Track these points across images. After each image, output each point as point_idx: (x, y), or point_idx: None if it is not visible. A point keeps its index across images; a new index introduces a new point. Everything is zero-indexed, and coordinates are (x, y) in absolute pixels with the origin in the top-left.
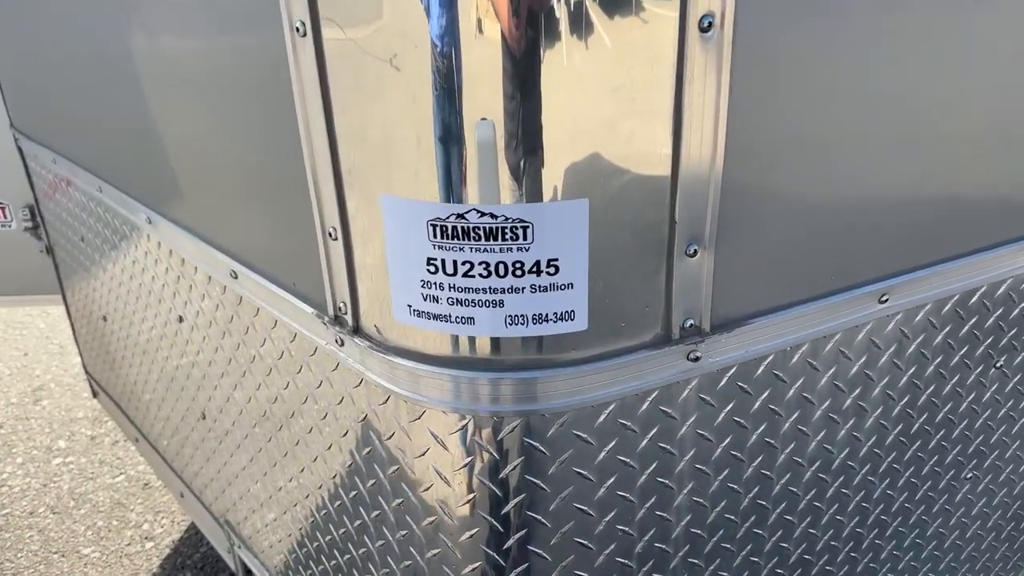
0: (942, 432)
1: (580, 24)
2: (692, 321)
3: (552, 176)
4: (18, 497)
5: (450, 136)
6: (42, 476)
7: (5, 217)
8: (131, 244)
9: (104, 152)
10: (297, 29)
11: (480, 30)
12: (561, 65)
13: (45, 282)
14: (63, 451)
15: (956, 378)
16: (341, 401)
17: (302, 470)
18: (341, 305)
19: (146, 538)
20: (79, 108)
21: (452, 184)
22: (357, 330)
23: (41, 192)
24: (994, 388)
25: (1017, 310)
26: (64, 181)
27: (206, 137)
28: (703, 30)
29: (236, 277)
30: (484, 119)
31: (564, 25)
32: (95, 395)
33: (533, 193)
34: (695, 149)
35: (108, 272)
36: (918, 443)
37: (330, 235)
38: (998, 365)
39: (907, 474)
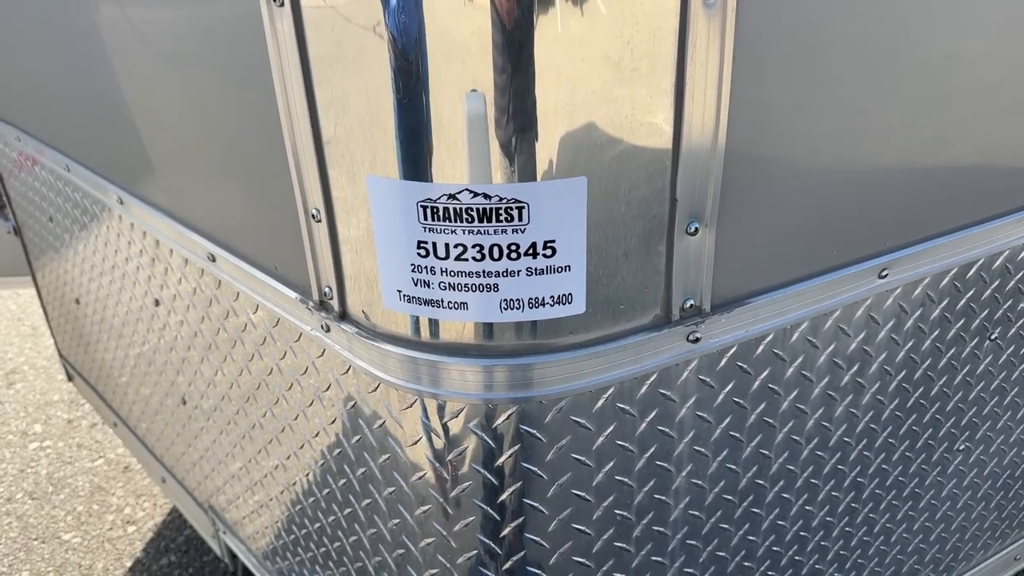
0: (937, 405)
1: None
2: (692, 301)
3: (548, 153)
4: None
5: (438, 110)
6: (19, 461)
7: None
8: (102, 225)
9: (71, 129)
10: None
11: None
12: (556, 34)
13: (14, 263)
14: (39, 435)
15: (952, 351)
16: (328, 388)
17: (289, 457)
18: (327, 290)
19: (128, 522)
20: (44, 83)
21: (442, 162)
22: (344, 316)
23: (5, 170)
24: (988, 360)
25: (1013, 281)
26: (30, 159)
27: (180, 113)
28: None
29: (214, 260)
30: (474, 90)
31: None
32: (70, 379)
33: (528, 171)
34: (697, 123)
35: (79, 254)
36: (913, 417)
37: (313, 217)
38: (992, 337)
39: (902, 448)
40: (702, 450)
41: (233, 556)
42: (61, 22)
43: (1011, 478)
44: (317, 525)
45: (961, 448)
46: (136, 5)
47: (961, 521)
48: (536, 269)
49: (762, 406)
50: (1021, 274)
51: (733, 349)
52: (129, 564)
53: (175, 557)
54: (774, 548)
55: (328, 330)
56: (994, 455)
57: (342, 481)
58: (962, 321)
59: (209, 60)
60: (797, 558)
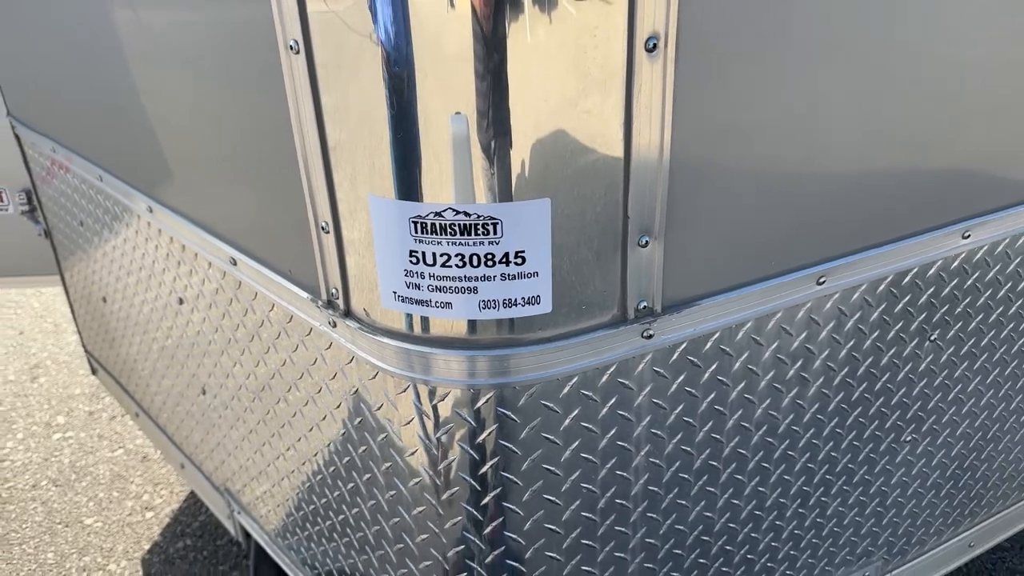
0: (881, 399)
1: (539, 26)
2: (645, 303)
3: (519, 178)
4: (20, 471)
5: (427, 129)
6: (43, 451)
7: (2, 201)
8: (132, 230)
9: (105, 141)
10: (291, 47)
11: (452, 4)
12: (525, 76)
13: (38, 263)
14: (62, 426)
15: (892, 351)
16: (334, 376)
17: (299, 439)
18: (334, 291)
19: (146, 508)
20: (78, 97)
21: (430, 181)
22: (348, 313)
23: (38, 177)
24: (929, 359)
25: (947, 288)
26: (63, 168)
27: (205, 129)
28: (649, 50)
29: (235, 264)
30: (459, 113)
31: (528, 14)
32: (94, 372)
33: (502, 192)
34: (643, 153)
35: (108, 256)
36: (859, 409)
37: (323, 229)
38: (932, 338)
39: (849, 437)
40: (658, 432)
41: (247, 535)
42: (92, 39)
43: (959, 469)
44: (324, 500)
45: (908, 439)
46: (163, 22)
47: (912, 507)
48: (509, 275)
49: (712, 395)
50: (955, 282)
51: (684, 345)
52: (147, 547)
53: (190, 541)
54: (730, 525)
55: (335, 326)
56: (941, 447)
57: (345, 459)
58: (900, 323)
59: (229, 81)
60: (753, 535)
